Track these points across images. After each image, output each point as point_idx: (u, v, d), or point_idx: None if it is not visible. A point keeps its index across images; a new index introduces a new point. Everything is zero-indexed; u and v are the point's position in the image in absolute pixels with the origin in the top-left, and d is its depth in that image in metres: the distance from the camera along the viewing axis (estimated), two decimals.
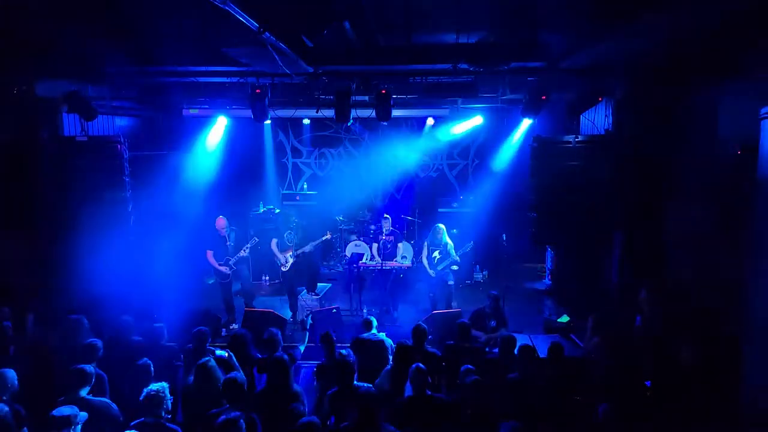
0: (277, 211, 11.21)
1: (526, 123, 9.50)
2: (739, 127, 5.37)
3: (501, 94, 8.54)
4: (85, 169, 7.49)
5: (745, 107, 5.13)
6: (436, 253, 8.67)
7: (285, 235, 8.84)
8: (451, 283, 8.70)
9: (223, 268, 8.51)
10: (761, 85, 4.95)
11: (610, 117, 7.92)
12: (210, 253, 8.57)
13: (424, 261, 8.77)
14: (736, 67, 5.51)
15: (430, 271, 8.67)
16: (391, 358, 5.64)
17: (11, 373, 4.56)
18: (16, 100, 7.00)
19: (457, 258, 8.62)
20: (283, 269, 8.89)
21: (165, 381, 4.43)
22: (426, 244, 8.87)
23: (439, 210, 11.30)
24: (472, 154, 12.48)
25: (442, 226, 8.77)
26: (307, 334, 7.69)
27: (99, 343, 5.24)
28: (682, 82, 6.42)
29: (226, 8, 4.13)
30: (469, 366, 4.82)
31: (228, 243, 8.58)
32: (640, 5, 4.84)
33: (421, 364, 4.64)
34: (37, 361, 5.37)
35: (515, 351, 5.41)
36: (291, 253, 8.78)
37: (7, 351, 5.89)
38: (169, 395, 4.26)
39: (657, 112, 7.01)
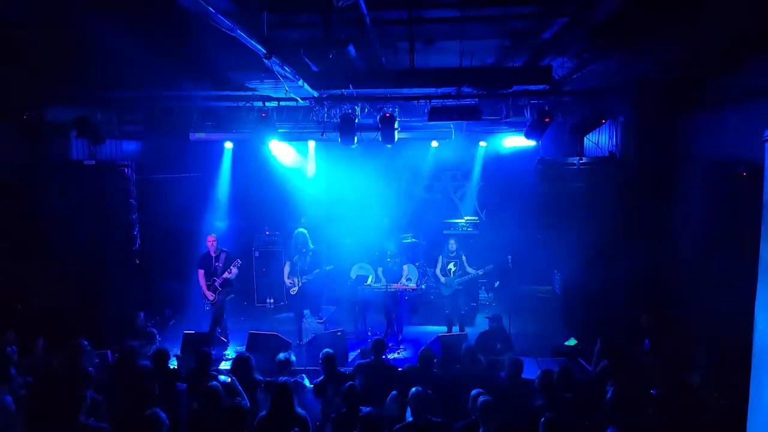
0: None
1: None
2: (744, 149, 5.38)
3: (504, 117, 8.59)
4: (92, 192, 7.54)
5: (749, 128, 5.14)
6: (451, 265, 8.91)
7: (295, 259, 8.81)
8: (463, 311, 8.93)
9: (208, 293, 8.34)
10: (765, 106, 4.97)
11: (614, 138, 7.96)
12: (201, 273, 8.40)
13: (438, 273, 8.97)
14: (740, 88, 5.54)
15: (442, 278, 8.86)
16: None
17: (7, 399, 4.55)
18: (25, 124, 7.11)
19: (478, 273, 8.85)
20: (293, 292, 8.85)
21: (170, 405, 4.38)
22: (440, 257, 9.08)
23: (444, 232, 11.24)
24: (477, 176, 12.47)
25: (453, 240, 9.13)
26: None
27: (92, 370, 5.24)
28: (685, 103, 6.45)
29: (234, 35, 4.21)
30: (480, 390, 4.76)
31: (216, 264, 8.41)
32: (642, 31, 4.89)
33: (420, 388, 4.59)
34: (42, 385, 5.35)
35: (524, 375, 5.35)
36: (300, 278, 8.73)
37: (9, 374, 5.86)
38: (164, 419, 4.18)
39: (661, 133, 7.04)
